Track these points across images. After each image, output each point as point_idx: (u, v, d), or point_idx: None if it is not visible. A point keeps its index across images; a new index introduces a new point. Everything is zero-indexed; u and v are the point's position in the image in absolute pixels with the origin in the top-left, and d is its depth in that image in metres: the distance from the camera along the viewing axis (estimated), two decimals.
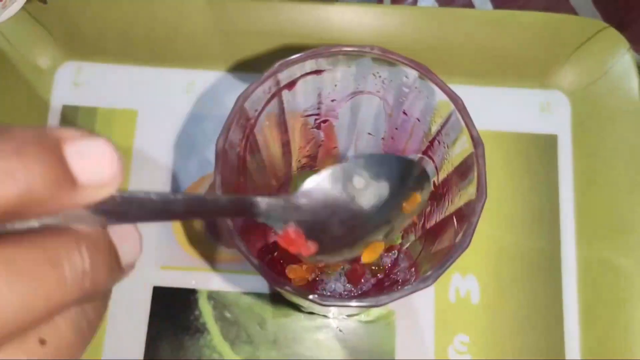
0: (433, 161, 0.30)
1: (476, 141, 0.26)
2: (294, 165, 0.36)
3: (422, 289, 0.24)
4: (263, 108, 0.28)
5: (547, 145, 0.41)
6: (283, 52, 0.40)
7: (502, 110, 0.42)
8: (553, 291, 0.38)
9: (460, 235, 0.25)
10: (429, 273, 0.24)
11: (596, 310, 0.38)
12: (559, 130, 0.41)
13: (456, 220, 0.27)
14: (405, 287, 0.24)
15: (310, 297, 0.24)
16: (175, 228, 0.39)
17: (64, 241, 0.14)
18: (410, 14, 0.42)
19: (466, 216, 0.25)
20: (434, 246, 0.29)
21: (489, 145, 0.27)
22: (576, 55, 0.41)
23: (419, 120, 0.29)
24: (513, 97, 0.42)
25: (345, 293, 0.36)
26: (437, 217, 0.30)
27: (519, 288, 0.38)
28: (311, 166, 0.37)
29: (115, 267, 0.17)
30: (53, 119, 0.41)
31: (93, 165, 0.15)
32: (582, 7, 0.46)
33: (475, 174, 0.25)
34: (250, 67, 0.41)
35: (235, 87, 0.41)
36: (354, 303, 0.24)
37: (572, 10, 0.46)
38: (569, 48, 0.42)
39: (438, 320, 0.37)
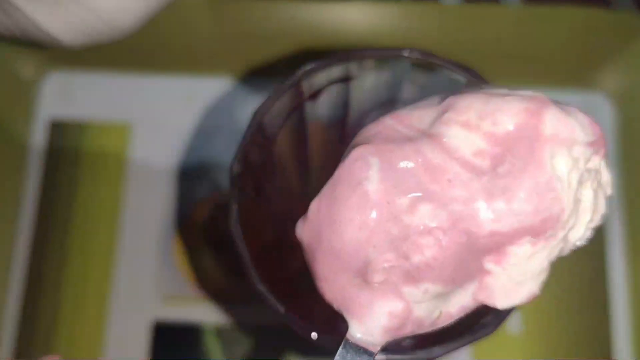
0: None
1: None
2: (312, 184, 0.32)
3: (481, 338, 0.20)
4: (283, 123, 0.25)
5: None
6: (295, 56, 0.38)
7: None
8: (601, 319, 0.35)
9: None
10: (489, 318, 0.20)
11: None
12: None
13: None
14: (463, 337, 0.20)
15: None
16: (178, 256, 0.36)
17: None
18: (432, 11, 0.39)
19: None
20: None
21: None
22: (617, 54, 0.39)
23: None
24: None
25: None
26: None
27: (564, 316, 0.35)
28: None
29: None
30: (38, 135, 0.38)
31: None
32: (619, 1, 0.43)
33: None
34: (260, 73, 0.39)
35: (244, 97, 0.39)
36: (399, 357, 0.20)
37: (606, 4, 0.43)
38: (608, 46, 0.39)
39: (476, 354, 0.35)
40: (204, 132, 0.38)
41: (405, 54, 0.23)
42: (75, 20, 0.26)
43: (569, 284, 0.35)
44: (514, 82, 0.37)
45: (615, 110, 0.39)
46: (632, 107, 0.38)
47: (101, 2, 0.25)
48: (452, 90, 0.22)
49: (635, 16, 0.39)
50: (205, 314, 0.35)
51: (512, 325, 0.35)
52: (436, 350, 0.21)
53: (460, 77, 0.23)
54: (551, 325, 0.35)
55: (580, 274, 0.36)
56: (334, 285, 0.18)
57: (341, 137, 0.29)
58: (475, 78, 0.23)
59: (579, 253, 0.35)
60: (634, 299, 0.35)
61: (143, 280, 0.35)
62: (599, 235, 0.36)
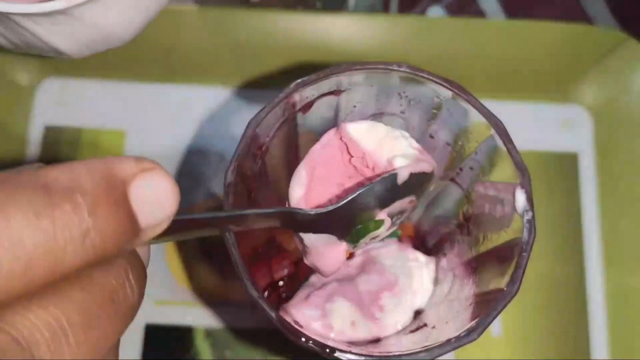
0: (462, 189, 0.27)
1: (521, 169, 0.23)
2: None
3: (466, 343, 0.21)
4: (275, 133, 0.25)
5: (567, 164, 0.39)
6: (288, 68, 0.38)
7: (519, 127, 0.38)
8: (579, 323, 0.36)
9: (507, 279, 0.22)
10: (473, 324, 0.21)
11: (628, 344, 0.35)
12: (580, 148, 0.39)
13: (498, 260, 0.24)
14: (449, 343, 0.21)
15: (337, 354, 0.21)
16: (169, 259, 0.36)
17: (117, 275, 0.15)
18: (419, 24, 0.40)
19: (510, 256, 0.22)
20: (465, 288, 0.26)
21: None
22: (596, 67, 0.39)
23: (447, 144, 0.26)
24: (530, 112, 0.40)
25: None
26: (468, 253, 0.27)
27: (543, 320, 0.36)
28: None
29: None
30: (34, 141, 0.38)
31: (155, 206, 0.15)
32: (599, 16, 0.44)
33: None
34: (252, 84, 0.39)
35: (236, 105, 0.38)
36: None
37: (588, 20, 0.44)
38: (588, 60, 0.39)
39: (457, 354, 0.35)
40: (196, 140, 0.38)
41: (394, 68, 0.24)
42: (80, 37, 0.27)
43: (548, 288, 0.36)
44: (496, 94, 0.39)
45: (594, 123, 0.39)
46: (610, 119, 0.39)
47: (102, 19, 0.26)
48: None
49: (613, 31, 0.39)
50: (197, 317, 0.35)
51: (493, 327, 0.35)
52: (422, 355, 0.21)
53: (445, 91, 0.24)
54: (530, 328, 0.35)
55: (559, 279, 0.36)
56: None
57: None
58: (461, 92, 0.24)
59: (558, 259, 0.36)
60: (611, 304, 0.36)
61: None
62: (577, 241, 0.37)
